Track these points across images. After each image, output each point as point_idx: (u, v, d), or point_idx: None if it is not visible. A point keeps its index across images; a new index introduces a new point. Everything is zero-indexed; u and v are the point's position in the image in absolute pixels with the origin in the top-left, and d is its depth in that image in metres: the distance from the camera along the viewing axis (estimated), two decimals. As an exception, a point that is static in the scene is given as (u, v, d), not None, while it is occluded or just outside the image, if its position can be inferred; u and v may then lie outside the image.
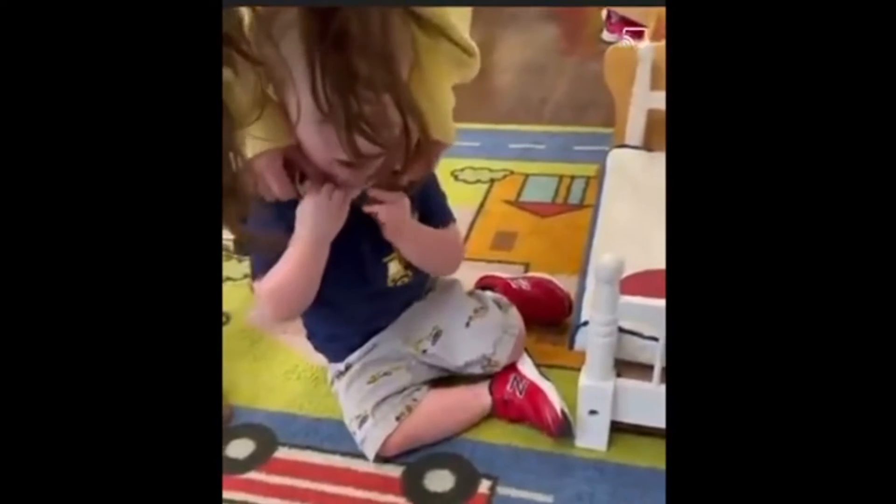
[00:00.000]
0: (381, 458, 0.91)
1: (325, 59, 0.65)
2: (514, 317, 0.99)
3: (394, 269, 0.91)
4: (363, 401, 0.92)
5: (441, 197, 0.93)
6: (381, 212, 0.82)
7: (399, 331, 0.97)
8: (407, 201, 0.84)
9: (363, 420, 0.91)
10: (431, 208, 0.91)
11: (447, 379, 0.99)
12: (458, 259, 0.97)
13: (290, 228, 0.81)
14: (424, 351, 0.96)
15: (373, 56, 0.65)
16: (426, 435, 0.92)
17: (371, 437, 0.90)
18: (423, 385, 0.96)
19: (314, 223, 0.80)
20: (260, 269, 0.85)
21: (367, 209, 0.82)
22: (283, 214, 0.81)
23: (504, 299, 1.02)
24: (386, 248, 0.89)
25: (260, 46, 0.66)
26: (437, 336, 0.96)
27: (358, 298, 0.92)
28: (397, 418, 0.91)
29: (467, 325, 0.96)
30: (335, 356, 0.98)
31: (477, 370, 0.96)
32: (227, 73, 0.64)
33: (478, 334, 0.96)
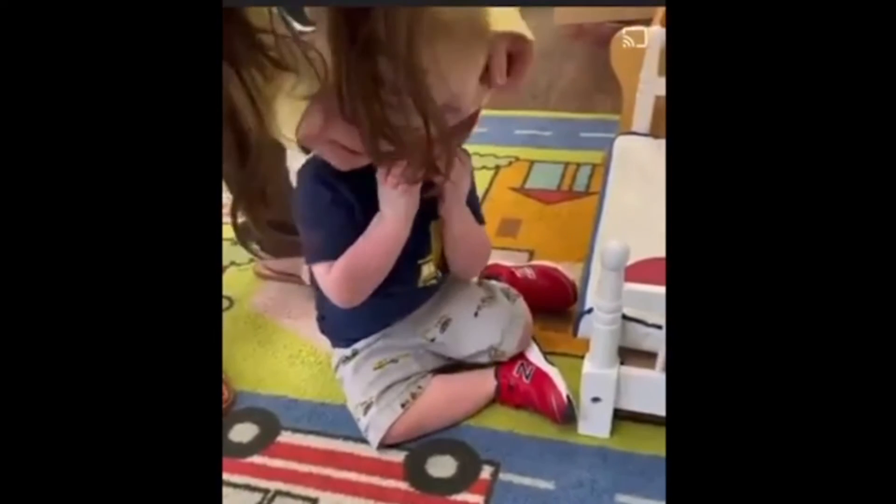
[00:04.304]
0: (385, 446, 0.91)
1: (351, 65, 0.65)
2: (522, 307, 0.99)
3: (426, 271, 0.91)
4: (369, 387, 0.92)
5: (476, 198, 0.93)
6: (452, 172, 0.77)
7: (409, 320, 0.96)
8: (470, 168, 0.83)
9: (368, 407, 0.91)
10: (472, 205, 0.90)
11: (453, 366, 0.99)
12: (486, 260, 0.99)
13: (349, 210, 0.81)
14: (433, 339, 0.96)
15: (398, 62, 0.65)
16: (431, 423, 0.93)
17: (375, 425, 0.90)
18: (429, 374, 0.96)
19: (401, 203, 0.80)
20: (329, 251, 0.83)
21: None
22: (340, 199, 0.81)
23: (512, 290, 1.02)
24: (423, 250, 0.89)
25: (287, 51, 0.65)
26: (445, 325, 0.96)
27: (383, 296, 0.90)
28: (402, 406, 0.91)
29: (476, 314, 0.96)
30: (342, 342, 0.98)
31: (484, 359, 0.96)
32: (258, 77, 0.64)
33: (486, 324, 0.96)
